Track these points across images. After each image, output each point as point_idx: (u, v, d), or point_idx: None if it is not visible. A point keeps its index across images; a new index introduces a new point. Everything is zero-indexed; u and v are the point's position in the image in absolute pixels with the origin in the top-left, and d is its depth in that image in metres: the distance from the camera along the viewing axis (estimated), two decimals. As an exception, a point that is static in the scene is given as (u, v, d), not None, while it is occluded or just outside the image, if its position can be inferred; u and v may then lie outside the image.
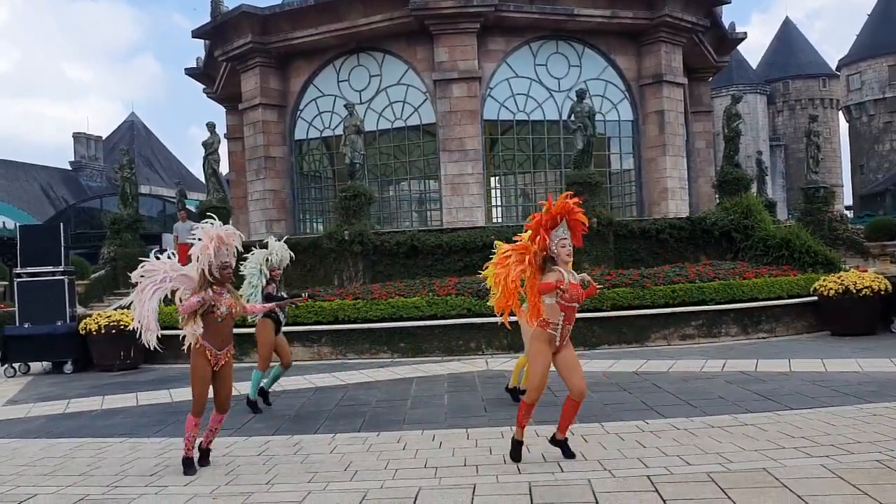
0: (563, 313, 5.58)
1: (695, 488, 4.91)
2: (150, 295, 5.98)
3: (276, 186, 20.83)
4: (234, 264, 6.09)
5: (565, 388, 5.78)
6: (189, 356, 6.11)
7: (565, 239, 5.57)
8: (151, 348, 6.18)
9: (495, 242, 6.05)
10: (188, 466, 6.03)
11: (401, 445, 6.60)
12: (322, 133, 20.85)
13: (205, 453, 6.23)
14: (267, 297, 8.34)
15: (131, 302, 6.15)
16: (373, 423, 7.72)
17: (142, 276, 6.06)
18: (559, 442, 5.86)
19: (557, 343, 5.64)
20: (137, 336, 6.10)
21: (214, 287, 5.96)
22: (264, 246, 8.73)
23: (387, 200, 22.58)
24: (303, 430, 7.53)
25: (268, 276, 8.56)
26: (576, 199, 5.66)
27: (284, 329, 8.95)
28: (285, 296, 8.74)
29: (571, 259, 5.61)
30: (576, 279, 5.59)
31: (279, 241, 9.07)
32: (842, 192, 66.80)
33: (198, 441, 6.14)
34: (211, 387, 6.09)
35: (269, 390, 9.06)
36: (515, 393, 8.27)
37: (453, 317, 13.02)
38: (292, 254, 9.00)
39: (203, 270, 5.92)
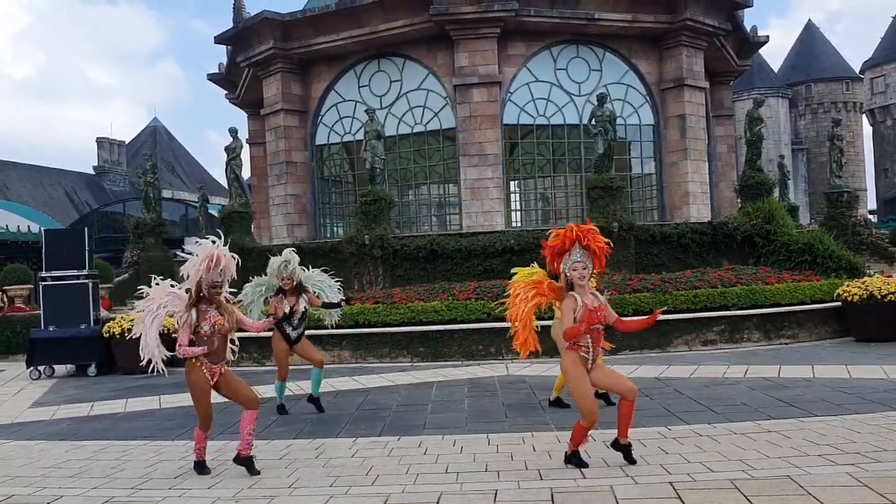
0: (588, 336, 5.58)
1: (718, 495, 4.87)
2: (150, 323, 6.13)
3: (298, 191, 20.95)
4: (225, 286, 6.16)
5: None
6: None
7: (578, 262, 5.55)
8: (157, 372, 6.28)
9: (514, 270, 6.16)
10: (201, 468, 6.12)
11: (422, 450, 6.60)
12: (343, 138, 20.95)
13: (247, 461, 6.06)
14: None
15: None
16: (393, 428, 7.72)
17: (141, 311, 6.22)
18: (622, 447, 5.74)
19: (590, 365, 5.62)
20: (144, 361, 6.21)
21: (200, 305, 6.02)
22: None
23: (407, 205, 22.66)
24: (324, 434, 7.55)
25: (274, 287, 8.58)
26: (589, 227, 5.63)
27: (315, 332, 8.88)
28: (305, 309, 8.67)
29: (586, 282, 5.60)
30: (597, 301, 5.60)
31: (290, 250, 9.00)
32: (865, 197, 66.08)
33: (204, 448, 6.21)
34: (227, 399, 6.17)
35: (318, 394, 8.91)
36: (559, 403, 8.29)
37: (473, 321, 13.02)
38: (295, 258, 8.67)
39: (191, 288, 6.02)
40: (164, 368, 6.28)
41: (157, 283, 6.23)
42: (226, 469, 6.25)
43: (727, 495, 4.86)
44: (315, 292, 8.84)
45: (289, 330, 8.63)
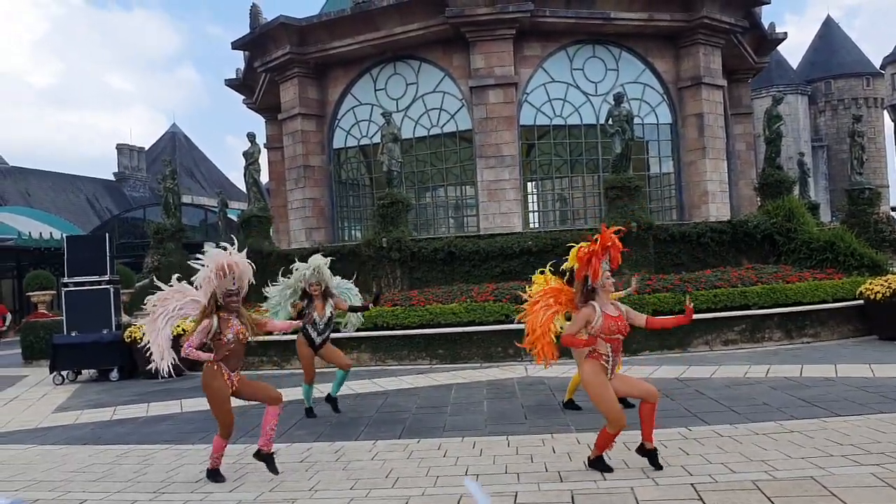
0: (608, 345, 5.57)
1: (740, 496, 4.84)
2: (163, 324, 6.09)
3: (315, 195, 21.02)
4: (242, 292, 6.10)
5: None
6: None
7: (606, 271, 5.60)
8: (165, 374, 6.27)
9: (535, 275, 6.19)
10: (215, 476, 6.10)
11: (441, 452, 6.61)
12: (360, 141, 21.00)
13: (267, 458, 6.11)
14: (298, 317, 8.38)
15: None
16: (413, 430, 7.74)
17: (154, 305, 6.16)
18: (648, 452, 5.69)
19: (609, 374, 5.60)
20: (149, 358, 6.19)
21: (220, 313, 6.00)
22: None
23: (424, 207, 22.65)
24: (344, 437, 7.58)
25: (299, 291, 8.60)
26: (612, 235, 5.65)
27: (335, 335, 8.88)
28: (330, 316, 8.64)
29: (613, 290, 5.65)
30: (617, 311, 5.62)
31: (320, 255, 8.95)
32: (887, 193, 65.34)
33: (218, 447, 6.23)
34: (249, 401, 6.18)
35: (336, 395, 9.01)
36: (571, 405, 8.35)
37: (491, 323, 13.00)
38: (324, 263, 8.64)
39: (209, 297, 6.02)
40: (172, 371, 6.28)
41: (173, 285, 6.22)
42: (247, 472, 6.29)
43: (749, 496, 4.82)
44: (340, 294, 8.88)
45: (314, 335, 8.62)
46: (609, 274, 5.60)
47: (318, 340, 8.67)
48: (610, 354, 5.57)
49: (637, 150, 18.76)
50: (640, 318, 5.74)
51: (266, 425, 6.11)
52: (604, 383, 5.55)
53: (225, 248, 6.05)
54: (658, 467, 5.62)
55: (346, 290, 9.07)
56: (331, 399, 8.97)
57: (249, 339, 6.12)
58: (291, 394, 9.53)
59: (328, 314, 8.60)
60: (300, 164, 20.88)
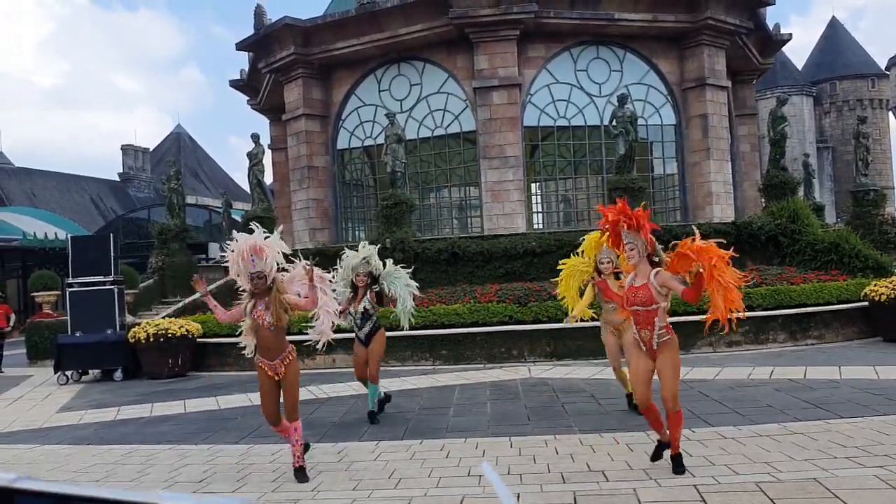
0: (633, 317, 5.56)
1: (743, 498, 4.82)
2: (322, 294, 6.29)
3: (319, 195, 21.05)
4: (270, 273, 5.88)
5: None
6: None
7: (628, 244, 5.48)
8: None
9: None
10: (301, 474, 6.03)
11: (444, 453, 6.60)
12: (364, 142, 21.03)
13: (296, 472, 6.01)
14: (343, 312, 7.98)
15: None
16: (416, 431, 7.73)
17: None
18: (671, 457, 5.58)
19: (643, 347, 5.52)
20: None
21: (255, 299, 5.96)
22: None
23: (427, 208, 22.68)
24: (346, 438, 7.58)
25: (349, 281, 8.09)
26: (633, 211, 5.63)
27: (336, 336, 8.16)
28: (365, 309, 8.08)
29: (634, 262, 5.53)
30: (644, 280, 5.43)
31: (370, 245, 8.36)
32: (892, 195, 65.07)
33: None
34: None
35: (374, 409, 8.27)
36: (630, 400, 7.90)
37: (495, 324, 12.99)
38: (369, 252, 8.15)
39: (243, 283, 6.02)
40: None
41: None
42: (249, 473, 6.29)
43: (752, 498, 4.81)
44: (390, 291, 8.26)
45: (356, 330, 8.20)
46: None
47: (361, 335, 8.19)
48: (636, 328, 5.54)
49: (641, 152, 18.75)
50: (677, 289, 5.35)
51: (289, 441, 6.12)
52: (632, 354, 5.62)
53: (252, 231, 5.96)
54: (680, 472, 5.44)
55: (395, 280, 8.29)
56: (369, 412, 8.34)
57: (271, 326, 5.87)
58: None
59: (362, 307, 8.07)
60: (304, 165, 20.90)
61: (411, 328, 9.23)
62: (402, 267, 8.55)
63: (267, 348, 5.99)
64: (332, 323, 6.56)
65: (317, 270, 6.09)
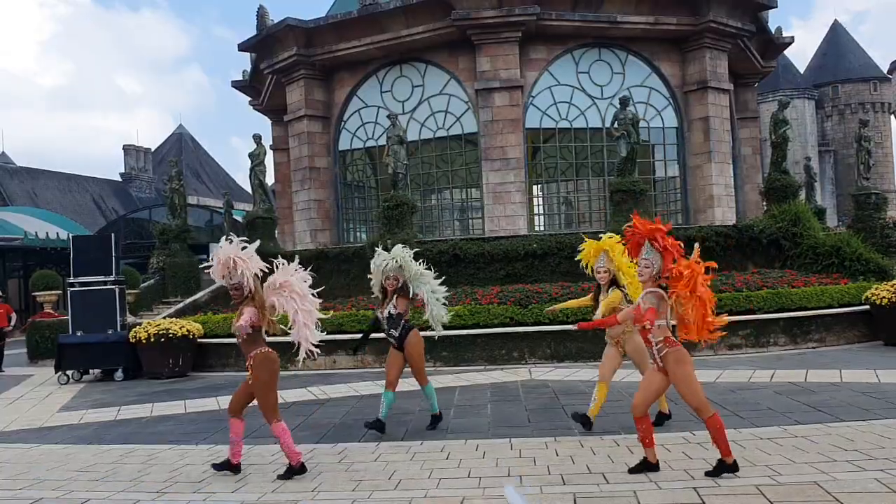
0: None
1: (743, 501, 4.82)
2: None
3: (321, 196, 21.06)
4: (247, 283, 5.91)
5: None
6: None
7: (643, 260, 5.69)
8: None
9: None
10: (300, 469, 6.11)
11: (444, 455, 6.60)
12: (365, 143, 21.04)
13: (292, 471, 6.10)
14: (375, 320, 7.92)
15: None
16: (416, 432, 7.73)
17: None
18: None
19: (653, 362, 5.70)
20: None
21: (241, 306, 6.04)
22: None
23: (429, 209, 22.69)
24: (347, 438, 7.58)
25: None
26: (657, 226, 5.88)
27: (338, 337, 7.50)
28: (390, 314, 7.72)
29: (643, 279, 5.71)
30: (637, 302, 5.71)
31: (402, 246, 8.08)
32: (894, 199, 65.09)
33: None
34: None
35: (382, 418, 7.70)
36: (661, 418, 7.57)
37: (496, 326, 12.98)
38: (402, 255, 7.85)
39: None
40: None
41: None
42: (249, 473, 6.29)
43: (753, 501, 4.81)
44: (419, 294, 7.93)
45: (386, 333, 7.87)
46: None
47: (392, 339, 7.83)
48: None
49: (643, 154, 18.75)
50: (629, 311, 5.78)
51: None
52: (646, 370, 5.98)
53: (230, 240, 6.02)
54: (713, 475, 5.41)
55: (421, 285, 7.96)
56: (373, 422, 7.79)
57: (235, 332, 6.03)
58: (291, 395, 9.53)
59: (388, 311, 7.74)
60: (306, 166, 20.92)
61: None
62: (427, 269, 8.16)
63: (243, 348, 6.15)
64: (309, 332, 6.19)
65: (296, 279, 6.13)
